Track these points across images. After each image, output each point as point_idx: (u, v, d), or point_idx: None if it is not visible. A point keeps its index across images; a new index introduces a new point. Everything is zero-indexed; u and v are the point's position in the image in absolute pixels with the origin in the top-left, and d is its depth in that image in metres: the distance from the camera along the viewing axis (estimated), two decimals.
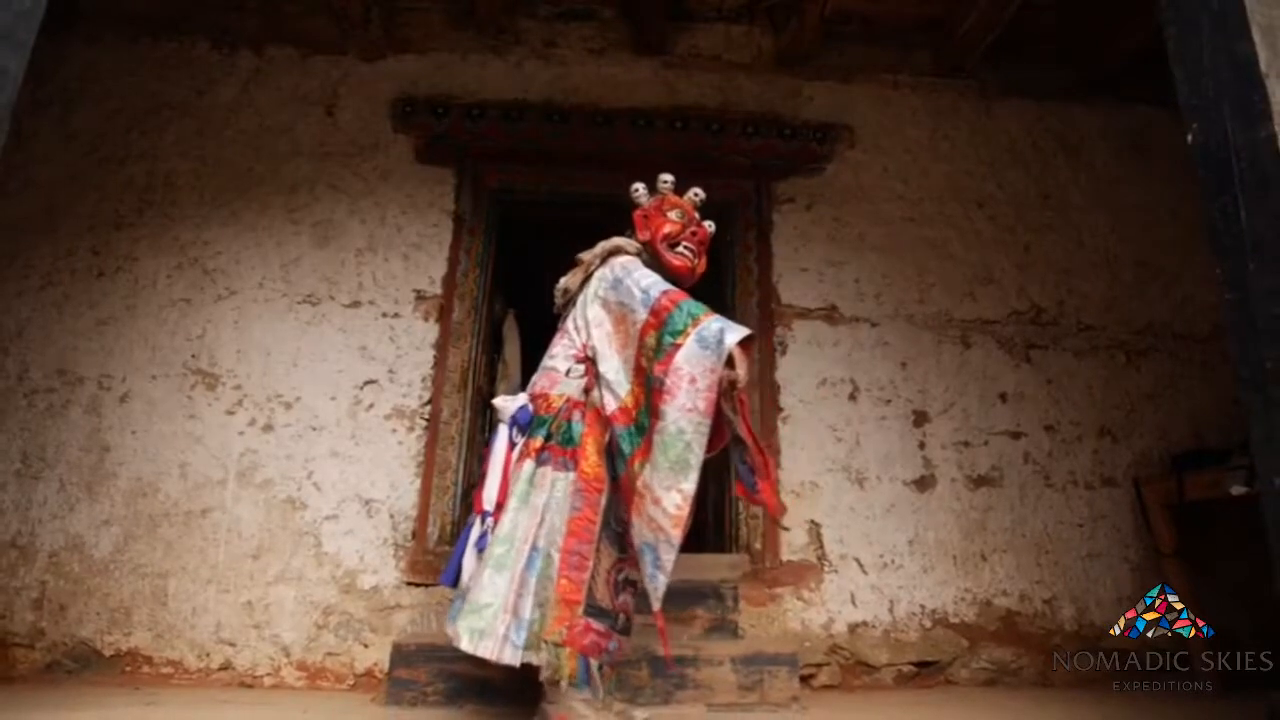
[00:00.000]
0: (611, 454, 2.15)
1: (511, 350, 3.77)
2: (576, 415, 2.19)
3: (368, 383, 3.24)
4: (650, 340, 2.09)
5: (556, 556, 2.07)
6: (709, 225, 2.49)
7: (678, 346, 2.03)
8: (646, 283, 2.19)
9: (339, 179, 3.47)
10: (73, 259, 3.30)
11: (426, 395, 3.24)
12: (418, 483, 3.14)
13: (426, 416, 3.21)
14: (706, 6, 3.75)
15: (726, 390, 2.08)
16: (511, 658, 2.00)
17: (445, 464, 3.17)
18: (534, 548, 2.09)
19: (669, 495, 1.99)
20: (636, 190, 2.47)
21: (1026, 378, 3.49)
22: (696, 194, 2.48)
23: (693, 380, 2.01)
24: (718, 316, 2.10)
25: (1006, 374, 3.49)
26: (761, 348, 3.39)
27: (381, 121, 3.54)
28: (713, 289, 3.66)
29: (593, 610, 2.06)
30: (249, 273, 3.33)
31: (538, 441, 2.18)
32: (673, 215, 2.40)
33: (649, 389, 2.08)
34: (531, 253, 4.00)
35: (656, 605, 2.05)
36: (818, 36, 3.59)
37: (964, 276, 3.59)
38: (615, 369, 2.18)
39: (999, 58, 3.68)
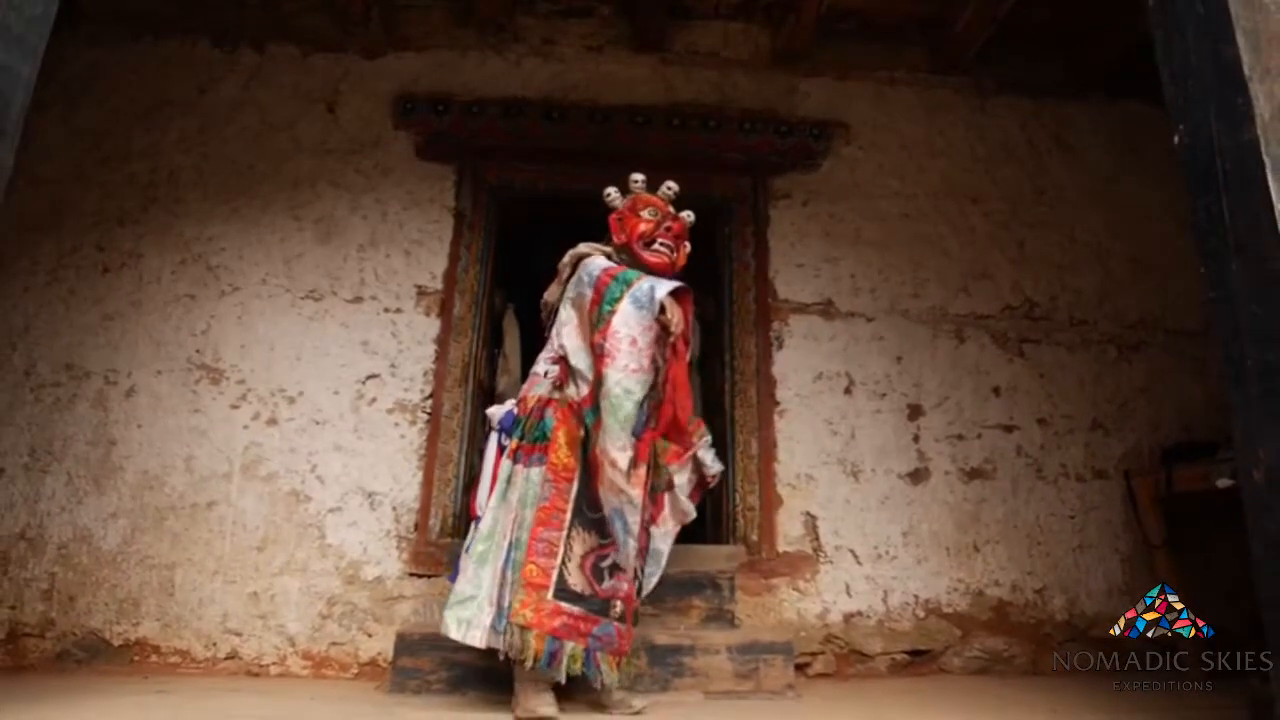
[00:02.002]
0: (586, 445, 2.24)
1: (511, 344, 3.81)
2: (549, 412, 2.30)
3: (370, 377, 3.28)
4: (594, 314, 2.21)
5: (526, 543, 2.17)
6: (686, 215, 2.54)
7: (614, 312, 2.15)
8: (593, 265, 2.32)
9: (340, 176, 3.51)
10: (78, 255, 3.34)
11: (428, 389, 3.28)
12: (419, 475, 3.19)
13: (428, 410, 3.26)
14: (704, 4, 3.77)
15: (660, 337, 2.20)
16: (494, 643, 2.14)
17: (447, 457, 3.22)
18: (511, 543, 2.21)
19: (623, 455, 2.10)
20: (609, 194, 2.53)
21: (1020, 372, 3.54)
22: (669, 188, 2.53)
23: (633, 342, 2.13)
24: (650, 277, 2.22)
25: (1000, 368, 3.53)
26: (758, 342, 3.44)
27: (382, 118, 3.57)
28: (710, 284, 3.71)
29: (564, 594, 2.14)
30: (252, 269, 3.37)
31: (514, 442, 2.32)
32: (645, 214, 2.47)
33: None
34: (531, 248, 4.03)
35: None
36: (814, 34, 3.61)
37: (959, 272, 3.63)
38: (583, 358, 2.31)
39: (994, 55, 3.70)
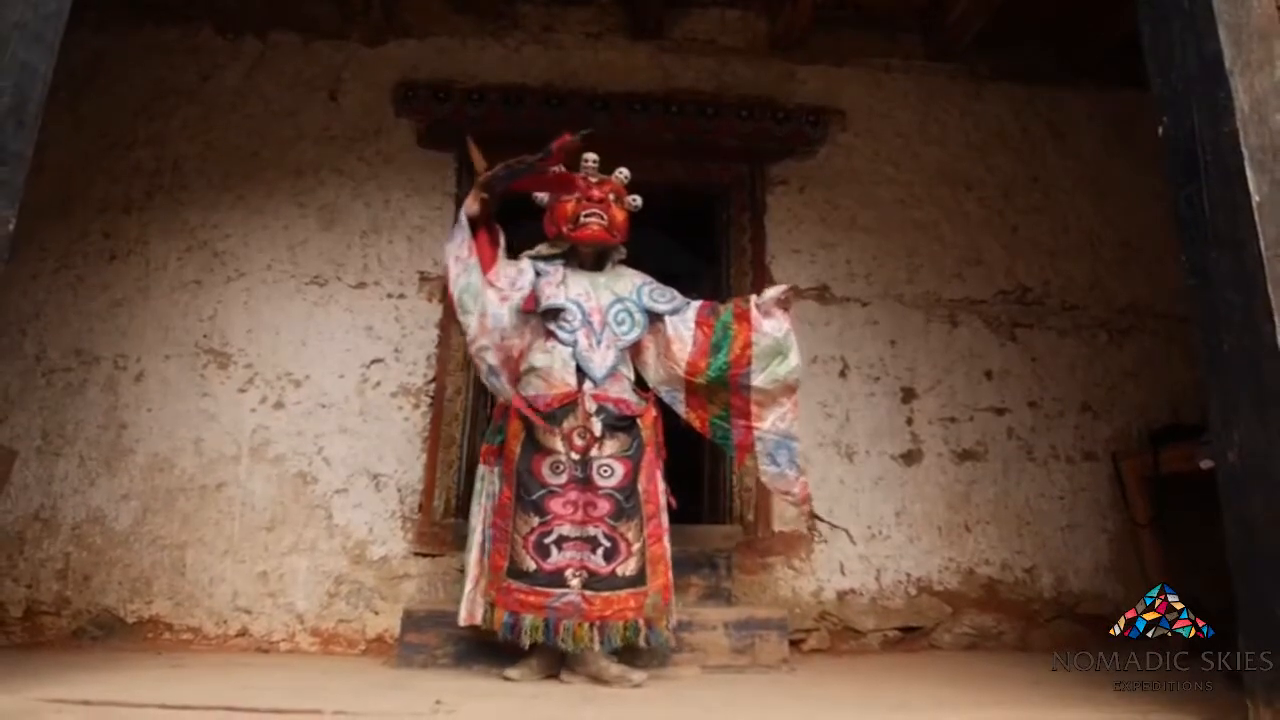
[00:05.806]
0: (528, 433, 2.41)
1: None
2: (503, 415, 2.50)
3: (374, 361, 3.35)
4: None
5: (490, 533, 2.40)
6: (618, 173, 2.64)
7: (447, 268, 2.51)
8: None
9: (343, 163, 3.55)
10: (85, 242, 3.39)
11: (431, 373, 3.35)
12: (423, 457, 3.26)
13: (431, 394, 3.33)
14: None
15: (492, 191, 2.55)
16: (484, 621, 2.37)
17: (450, 439, 3.29)
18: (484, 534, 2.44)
19: (478, 318, 2.49)
20: (536, 195, 2.63)
21: (1012, 355, 3.60)
22: (586, 158, 2.60)
23: (456, 259, 2.47)
24: None
25: (992, 352, 3.60)
26: None
27: (384, 106, 3.60)
28: (709, 270, 3.77)
29: (514, 573, 2.31)
30: (257, 255, 3.42)
31: (484, 446, 2.54)
32: (564, 196, 2.57)
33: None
34: (531, 236, 4.07)
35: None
36: (811, 21, 3.64)
37: (952, 257, 3.68)
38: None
39: (989, 43, 3.73)
